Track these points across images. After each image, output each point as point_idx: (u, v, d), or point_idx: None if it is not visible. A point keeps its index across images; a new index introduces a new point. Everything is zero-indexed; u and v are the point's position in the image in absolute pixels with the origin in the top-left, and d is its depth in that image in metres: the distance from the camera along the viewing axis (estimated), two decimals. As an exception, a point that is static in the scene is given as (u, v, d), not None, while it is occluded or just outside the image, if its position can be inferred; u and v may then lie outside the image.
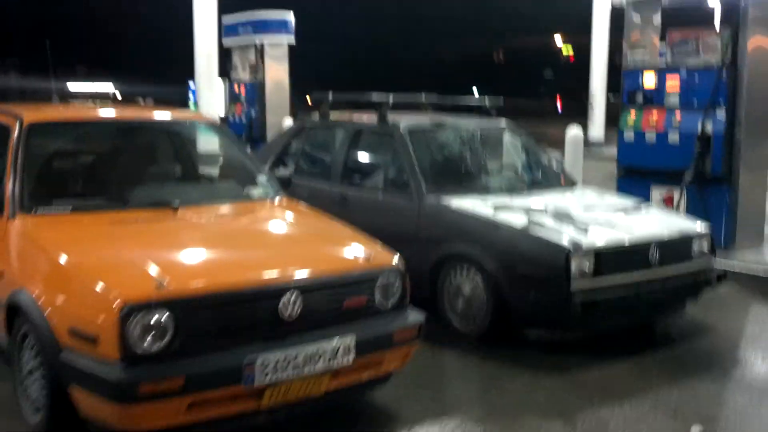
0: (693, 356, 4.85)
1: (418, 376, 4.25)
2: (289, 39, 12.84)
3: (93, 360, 3.03)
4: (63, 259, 3.37)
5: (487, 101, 6.49)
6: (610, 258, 4.60)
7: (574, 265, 4.45)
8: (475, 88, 45.71)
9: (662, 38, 7.54)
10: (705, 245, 5.20)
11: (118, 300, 2.98)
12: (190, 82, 16.54)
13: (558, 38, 51.44)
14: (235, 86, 13.44)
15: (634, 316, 5.03)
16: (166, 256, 3.48)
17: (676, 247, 4.99)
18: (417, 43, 55.29)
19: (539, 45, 54.37)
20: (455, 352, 4.75)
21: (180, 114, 5.23)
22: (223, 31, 13.43)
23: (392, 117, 5.80)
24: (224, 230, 4.06)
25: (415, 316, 3.78)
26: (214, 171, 4.92)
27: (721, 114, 6.82)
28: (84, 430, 3.28)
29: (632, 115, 7.45)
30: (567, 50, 52.83)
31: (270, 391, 3.24)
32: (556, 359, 4.66)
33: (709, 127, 6.82)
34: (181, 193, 4.23)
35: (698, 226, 5.26)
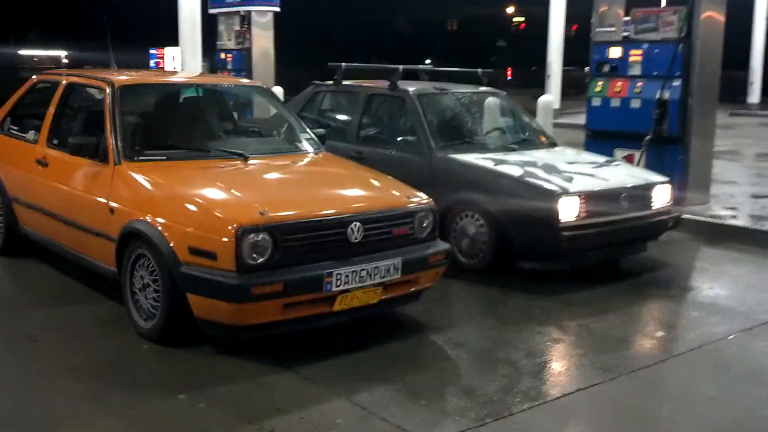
0: (655, 283, 5.94)
1: (438, 300, 5.22)
2: (274, 8, 13.53)
3: (212, 271, 3.91)
4: (177, 192, 4.25)
5: (479, 71, 7.43)
6: (590, 201, 5.62)
7: (562, 206, 5.46)
8: (428, 61, 46.55)
9: (627, 14, 8.57)
10: (665, 194, 6.26)
11: (235, 224, 3.87)
12: (151, 50, 17.03)
13: (510, 9, 52.53)
14: (221, 54, 14.06)
15: (609, 251, 6.07)
16: (256, 192, 4.37)
17: (641, 195, 6.04)
18: (377, 16, 55.78)
19: (492, 15, 55.26)
20: (464, 282, 5.73)
21: (239, 80, 6.04)
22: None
23: (401, 83, 6.71)
24: (291, 175, 4.97)
25: (443, 245, 4.75)
26: (269, 128, 5.77)
27: (677, 83, 7.88)
28: (193, 330, 4.17)
29: (599, 84, 8.49)
30: (518, 20, 54.04)
31: (341, 297, 4.16)
32: (548, 285, 5.69)
33: (667, 95, 7.88)
34: (248, 146, 5.10)
35: (660, 178, 6.32)
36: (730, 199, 8.65)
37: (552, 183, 5.61)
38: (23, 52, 43.20)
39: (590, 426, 3.69)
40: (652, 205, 6.11)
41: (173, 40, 13.46)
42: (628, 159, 8.11)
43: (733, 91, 27.24)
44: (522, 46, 46.63)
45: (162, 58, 16.72)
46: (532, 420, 3.59)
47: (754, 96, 24.72)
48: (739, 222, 7.55)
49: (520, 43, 49.98)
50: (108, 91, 4.95)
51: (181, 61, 13.36)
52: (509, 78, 43.07)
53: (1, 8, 41.03)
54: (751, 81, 24.70)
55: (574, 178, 5.78)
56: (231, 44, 14.27)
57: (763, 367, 4.36)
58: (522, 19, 54.24)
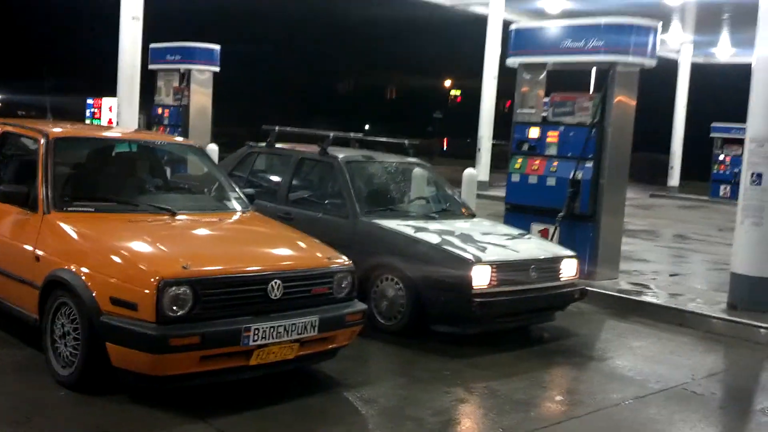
0: (560, 351, 6.29)
1: (354, 358, 5.42)
2: (214, 68, 13.87)
3: (131, 321, 4.05)
4: (103, 243, 4.41)
5: (406, 142, 7.82)
6: (501, 270, 5.97)
7: (475, 274, 5.79)
8: (367, 126, 47.48)
9: (547, 95, 9.17)
10: (572, 267, 6.67)
11: (157, 276, 4.04)
12: (88, 100, 17.17)
13: (448, 82, 54.28)
14: (159, 109, 14.26)
15: (518, 318, 6.41)
16: (180, 247, 4.56)
17: (549, 267, 6.42)
18: (320, 79, 56.97)
19: (430, 86, 56.93)
20: (381, 342, 5.96)
21: (173, 138, 6.26)
22: (150, 55, 14.26)
23: (331, 149, 7.03)
24: (217, 231, 5.18)
25: (360, 305, 5.00)
26: (198, 185, 5.97)
27: (589, 164, 8.42)
28: (110, 379, 4.28)
29: (519, 162, 8.99)
30: (455, 94, 55.80)
31: (257, 352, 4.35)
32: (459, 349, 5.96)
33: (580, 175, 8.41)
34: (176, 201, 5.30)
35: (567, 252, 6.74)
36: (639, 276, 9.17)
37: (467, 251, 5.94)
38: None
39: (485, 481, 3.93)
40: (559, 276, 6.50)
41: (112, 91, 13.60)
42: (543, 233, 8.54)
43: (654, 173, 28.77)
44: (458, 118, 48.01)
45: (99, 108, 16.83)
46: (430, 474, 3.81)
47: (674, 179, 26.10)
48: (644, 297, 8.01)
49: (456, 114, 51.46)
50: (42, 141, 5.11)
51: (116, 114, 13.50)
52: (444, 149, 44.21)
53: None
54: (671, 165, 26.12)
55: (488, 248, 6.13)
56: (169, 100, 14.51)
57: (650, 430, 4.68)
58: (458, 92, 56.00)
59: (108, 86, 13.65)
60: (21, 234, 4.85)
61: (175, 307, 4.06)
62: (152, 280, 4.04)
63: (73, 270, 4.34)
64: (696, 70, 25.70)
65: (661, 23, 8.55)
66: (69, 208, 4.81)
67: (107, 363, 4.20)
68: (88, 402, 4.26)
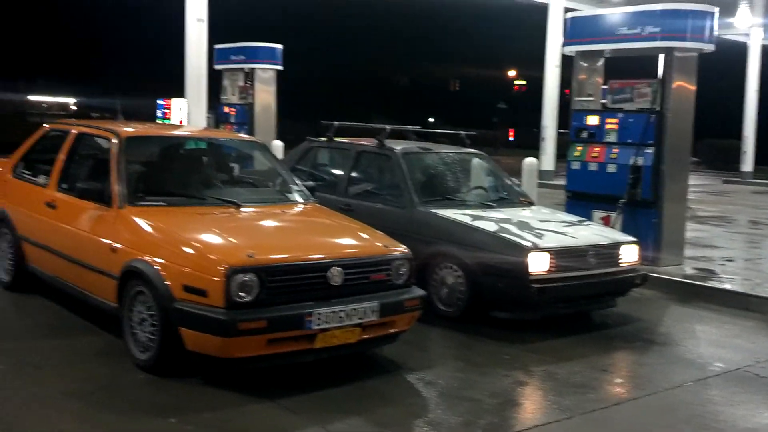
0: (621, 336, 6.32)
1: (414, 343, 5.60)
2: (277, 66, 14.21)
3: (203, 307, 4.31)
4: (174, 235, 4.68)
5: (462, 133, 7.93)
6: (559, 256, 6.04)
7: (531, 260, 5.88)
8: (431, 120, 47.57)
9: (605, 82, 9.14)
10: (633, 253, 6.67)
11: (225, 264, 4.29)
12: (159, 101, 17.71)
13: (512, 72, 53.81)
14: (225, 108, 14.68)
15: (576, 304, 6.45)
16: (246, 237, 4.81)
17: (609, 253, 6.45)
18: (382, 73, 57.39)
19: (493, 77, 56.56)
20: (440, 328, 6.11)
21: (237, 136, 6.57)
22: (215, 56, 14.70)
23: (388, 142, 7.21)
24: (280, 222, 5.42)
25: (419, 291, 5.16)
26: (262, 179, 6.23)
27: (650, 150, 8.37)
28: (185, 362, 4.55)
29: (578, 149, 8.99)
30: (519, 83, 55.25)
31: (321, 335, 4.56)
32: (518, 334, 6.06)
33: (640, 161, 8.37)
34: (241, 195, 5.55)
35: (627, 238, 6.75)
36: (705, 262, 9.06)
37: (524, 238, 6.04)
38: (32, 97, 44.14)
39: (541, 458, 4.05)
40: (619, 262, 6.52)
41: (179, 92, 14.07)
42: (605, 220, 8.54)
43: (728, 160, 28.00)
44: (523, 108, 47.60)
45: (169, 108, 17.36)
46: (487, 450, 3.95)
47: (747, 164, 25.37)
48: (709, 283, 7.94)
49: (521, 104, 51.02)
50: (114, 141, 5.43)
51: (186, 113, 13.95)
52: (511, 139, 43.94)
53: (11, 54, 42.10)
54: (743, 150, 25.38)
55: (545, 235, 6.21)
56: (234, 99, 14.92)
57: (708, 411, 4.70)
58: (523, 82, 55.45)
59: (176, 87, 14.13)
60: (98, 227, 5.18)
61: (242, 293, 4.30)
62: (220, 268, 4.28)
63: (148, 260, 4.62)
64: (767, 52, 24.92)
65: (717, 9, 8.41)
66: (141, 203, 5.11)
67: (182, 347, 4.47)
68: (165, 384, 4.55)
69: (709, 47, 8.33)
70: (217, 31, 14.55)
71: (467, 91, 62.09)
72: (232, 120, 14.85)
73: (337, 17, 44.54)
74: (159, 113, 17.40)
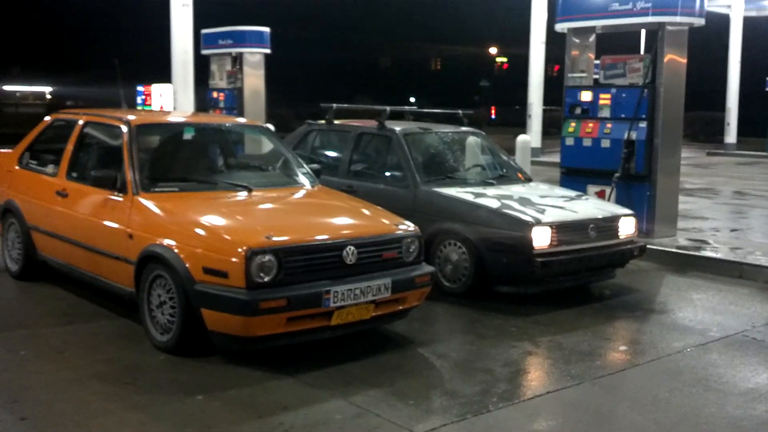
0: (621, 306, 6.50)
1: (423, 319, 5.75)
2: (265, 50, 14.22)
3: (224, 288, 4.43)
4: (191, 219, 4.79)
5: (460, 112, 8.06)
6: (561, 231, 6.20)
7: (535, 235, 6.03)
8: (412, 99, 47.50)
9: (597, 57, 9.27)
10: (630, 225, 6.85)
11: (245, 246, 4.40)
12: (138, 87, 17.61)
13: (493, 49, 53.85)
14: (214, 93, 14.69)
15: (578, 277, 6.63)
16: (261, 219, 4.93)
17: (608, 226, 6.62)
18: (363, 55, 57.25)
19: (474, 55, 56.62)
20: (446, 303, 6.27)
21: (242, 120, 6.67)
22: (202, 41, 14.68)
23: (388, 123, 7.32)
24: (291, 204, 5.53)
25: (428, 267, 5.30)
26: (268, 163, 6.33)
27: (643, 125, 8.54)
28: (204, 343, 4.68)
29: (572, 125, 9.14)
30: (501, 61, 55.32)
31: (337, 313, 4.69)
32: (522, 308, 6.23)
33: (634, 135, 8.53)
34: (251, 179, 5.66)
35: (625, 211, 6.92)
36: (697, 233, 9.28)
37: (526, 214, 6.19)
38: (6, 87, 43.55)
39: (556, 421, 4.21)
40: (618, 235, 6.69)
41: (162, 77, 14.03)
42: (600, 195, 8.71)
43: (712, 132, 28.29)
44: (505, 86, 47.70)
45: (149, 95, 17.26)
46: (506, 416, 4.12)
47: (731, 136, 25.66)
48: (703, 252, 8.14)
49: (503, 82, 51.14)
50: (125, 129, 5.51)
51: (172, 99, 13.93)
52: (493, 117, 44.08)
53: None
54: (727, 122, 25.66)
55: (547, 210, 6.36)
56: (223, 84, 14.92)
57: (711, 374, 4.90)
58: (505, 59, 55.54)
59: (156, 73, 14.09)
60: (113, 214, 5.27)
61: (261, 274, 4.42)
62: (240, 250, 4.40)
63: (166, 245, 4.73)
64: (749, 24, 25.12)
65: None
66: (155, 189, 5.20)
67: (202, 328, 4.59)
68: (187, 364, 4.67)
69: (699, 21, 8.48)
70: (200, 16, 14.49)
71: (449, 70, 62.10)
72: (221, 105, 14.86)
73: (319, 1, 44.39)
74: (138, 100, 17.25)
